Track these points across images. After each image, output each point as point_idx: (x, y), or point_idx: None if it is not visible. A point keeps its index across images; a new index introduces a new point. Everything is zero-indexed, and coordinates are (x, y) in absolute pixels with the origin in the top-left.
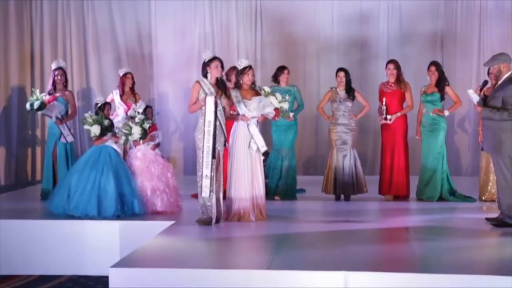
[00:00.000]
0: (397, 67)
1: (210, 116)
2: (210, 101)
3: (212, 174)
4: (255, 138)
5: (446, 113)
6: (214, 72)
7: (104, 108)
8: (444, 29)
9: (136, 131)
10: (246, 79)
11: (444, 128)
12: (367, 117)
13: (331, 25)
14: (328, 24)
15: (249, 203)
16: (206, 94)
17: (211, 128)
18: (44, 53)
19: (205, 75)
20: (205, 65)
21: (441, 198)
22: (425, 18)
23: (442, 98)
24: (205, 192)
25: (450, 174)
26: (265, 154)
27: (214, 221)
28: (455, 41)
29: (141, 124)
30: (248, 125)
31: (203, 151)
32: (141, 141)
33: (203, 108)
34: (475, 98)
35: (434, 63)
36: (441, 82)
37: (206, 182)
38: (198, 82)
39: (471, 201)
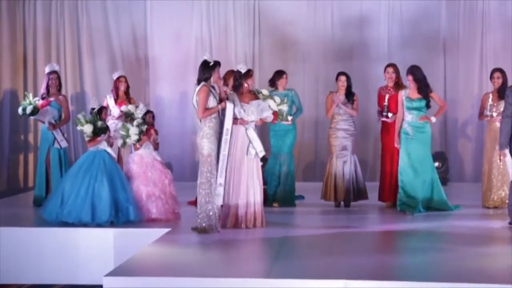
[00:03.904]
0: (396, 71)
1: (228, 123)
2: (230, 108)
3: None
4: (254, 143)
5: (433, 119)
6: (215, 78)
7: (101, 113)
8: (446, 31)
9: (133, 132)
10: (251, 82)
11: (430, 135)
12: (367, 122)
13: (331, 27)
14: (328, 26)
15: (246, 210)
16: (215, 98)
17: (229, 136)
18: (37, 55)
19: (208, 78)
20: (211, 69)
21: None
22: (426, 20)
23: (428, 106)
24: (218, 201)
25: (453, 180)
26: (263, 159)
27: (215, 229)
28: (457, 43)
29: (137, 125)
30: (246, 129)
31: (218, 159)
32: (137, 144)
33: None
34: None
35: (412, 71)
36: (424, 89)
37: (219, 191)
38: (206, 86)
39: (457, 209)
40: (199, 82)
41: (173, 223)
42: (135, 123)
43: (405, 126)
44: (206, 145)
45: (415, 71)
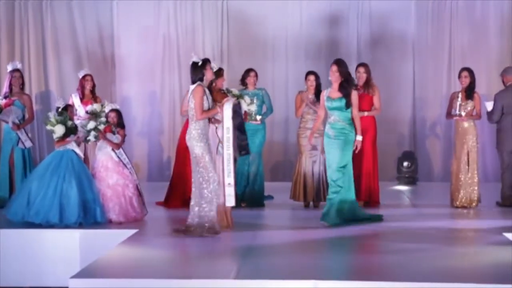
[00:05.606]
0: (367, 71)
1: (228, 122)
2: (229, 107)
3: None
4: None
5: (359, 138)
6: (209, 76)
7: (67, 111)
8: (415, 31)
9: (90, 126)
10: (221, 81)
11: (353, 140)
12: None
13: (300, 26)
14: (297, 25)
15: (218, 209)
16: (207, 99)
17: (230, 135)
18: (1, 54)
19: (202, 78)
20: (202, 69)
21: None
22: (395, 20)
23: (348, 104)
24: (230, 201)
25: (422, 179)
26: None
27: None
28: (426, 43)
29: (94, 124)
30: (216, 128)
31: (222, 159)
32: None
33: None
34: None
35: (337, 62)
36: (346, 86)
37: (229, 191)
38: (201, 86)
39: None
40: (193, 83)
41: (140, 224)
42: (99, 121)
43: (327, 128)
44: (196, 146)
45: (340, 63)
